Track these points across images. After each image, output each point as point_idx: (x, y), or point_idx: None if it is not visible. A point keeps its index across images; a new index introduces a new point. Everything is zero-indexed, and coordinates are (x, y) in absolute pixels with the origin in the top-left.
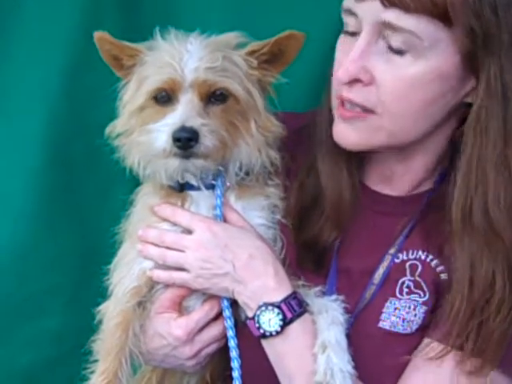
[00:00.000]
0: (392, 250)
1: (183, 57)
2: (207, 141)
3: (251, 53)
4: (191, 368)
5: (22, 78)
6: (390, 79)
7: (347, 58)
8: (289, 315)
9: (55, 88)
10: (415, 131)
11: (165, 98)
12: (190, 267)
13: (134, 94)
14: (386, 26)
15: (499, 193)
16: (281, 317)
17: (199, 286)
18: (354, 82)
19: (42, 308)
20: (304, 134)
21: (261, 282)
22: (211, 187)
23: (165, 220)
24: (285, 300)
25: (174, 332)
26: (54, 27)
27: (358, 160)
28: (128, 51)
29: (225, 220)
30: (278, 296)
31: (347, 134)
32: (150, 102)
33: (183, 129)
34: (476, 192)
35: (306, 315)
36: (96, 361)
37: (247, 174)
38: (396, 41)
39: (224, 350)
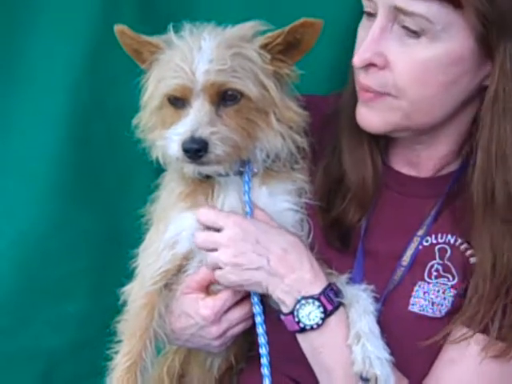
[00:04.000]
0: (420, 232)
1: (194, 58)
2: (217, 149)
3: (265, 45)
4: (216, 348)
5: (44, 61)
6: (405, 62)
7: (363, 43)
8: (329, 307)
9: (77, 71)
10: (434, 114)
11: (179, 102)
12: (223, 265)
13: (152, 93)
14: (399, 10)
15: None
16: (321, 309)
17: (228, 283)
18: (369, 66)
19: (67, 291)
20: (331, 116)
21: (297, 276)
22: (239, 173)
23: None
24: (323, 292)
25: (202, 311)
26: (76, 11)
27: (384, 143)
28: (147, 47)
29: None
30: (316, 288)
31: (369, 117)
32: (167, 104)
33: (192, 140)
34: (497, 174)
35: (342, 307)
36: (120, 341)
37: (274, 160)
38: (410, 24)
39: (248, 331)
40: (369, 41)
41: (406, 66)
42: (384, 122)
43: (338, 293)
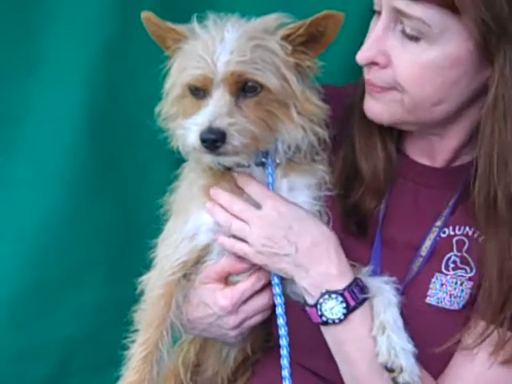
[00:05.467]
0: (438, 223)
1: (216, 49)
2: (235, 140)
3: (286, 36)
4: (233, 338)
5: (62, 52)
6: (405, 63)
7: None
8: (352, 303)
9: (95, 62)
10: (434, 113)
11: (199, 92)
12: (251, 241)
13: (174, 82)
14: (398, 12)
15: None
16: (344, 305)
17: (259, 262)
18: (371, 64)
19: (84, 279)
20: (351, 106)
21: (323, 269)
22: (261, 165)
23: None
24: (348, 288)
25: (220, 302)
26: (94, 1)
27: (399, 132)
28: (172, 34)
29: None
30: (341, 284)
31: (374, 108)
32: (188, 93)
33: (210, 130)
34: (499, 182)
35: (367, 302)
36: (137, 331)
37: (295, 152)
38: (408, 27)
39: (266, 322)
40: (371, 39)
41: (406, 66)
42: (388, 114)
43: (363, 288)
